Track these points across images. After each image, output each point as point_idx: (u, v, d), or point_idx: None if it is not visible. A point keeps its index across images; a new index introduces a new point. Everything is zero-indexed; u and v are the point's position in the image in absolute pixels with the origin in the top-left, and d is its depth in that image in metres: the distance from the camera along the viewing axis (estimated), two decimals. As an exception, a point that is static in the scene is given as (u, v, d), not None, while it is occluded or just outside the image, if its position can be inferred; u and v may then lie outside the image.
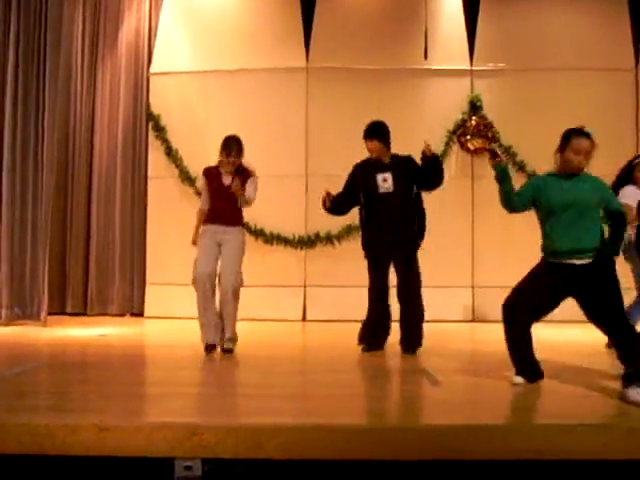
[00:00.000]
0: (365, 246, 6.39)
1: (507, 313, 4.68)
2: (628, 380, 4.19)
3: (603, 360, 5.59)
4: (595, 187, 4.67)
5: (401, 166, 6.32)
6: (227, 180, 6.22)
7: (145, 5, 10.07)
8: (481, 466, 3.43)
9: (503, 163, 4.82)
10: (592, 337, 5.50)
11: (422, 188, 6.38)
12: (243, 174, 6.25)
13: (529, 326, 4.69)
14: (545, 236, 4.70)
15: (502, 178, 4.76)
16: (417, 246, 6.31)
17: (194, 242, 6.34)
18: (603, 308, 4.60)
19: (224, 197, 6.20)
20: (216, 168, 6.33)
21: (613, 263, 4.64)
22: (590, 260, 4.58)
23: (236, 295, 6.19)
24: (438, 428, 3.56)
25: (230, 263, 6.15)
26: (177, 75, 9.86)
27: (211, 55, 9.83)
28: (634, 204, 5.53)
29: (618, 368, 4.59)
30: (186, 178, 9.61)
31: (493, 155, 4.88)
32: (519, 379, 4.67)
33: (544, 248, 4.72)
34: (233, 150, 6.17)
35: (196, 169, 9.45)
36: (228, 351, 6.20)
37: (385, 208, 6.23)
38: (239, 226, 6.32)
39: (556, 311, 4.75)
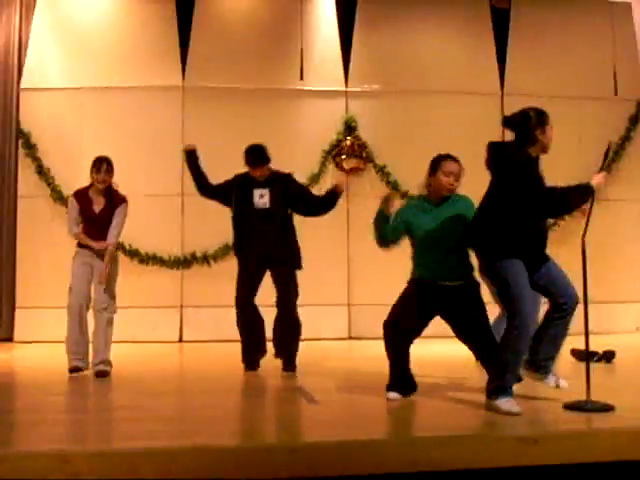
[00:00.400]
0: (240, 258, 6.42)
1: (387, 331, 4.80)
2: (495, 393, 4.37)
3: (473, 373, 5.77)
4: (464, 208, 4.86)
5: (280, 183, 6.37)
6: (97, 206, 6.29)
7: (15, 18, 9.75)
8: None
9: (388, 210, 4.87)
10: (462, 351, 5.67)
11: (301, 211, 6.47)
12: (113, 199, 6.33)
13: (408, 343, 4.83)
14: (417, 263, 4.86)
15: (379, 219, 4.89)
16: (296, 265, 6.38)
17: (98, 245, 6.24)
18: (471, 326, 4.79)
19: (95, 223, 6.27)
20: (86, 191, 6.35)
21: (479, 284, 4.85)
22: (460, 282, 4.78)
23: (110, 320, 6.25)
24: (315, 445, 3.60)
25: (103, 288, 6.20)
26: (49, 91, 9.58)
27: (85, 72, 9.60)
28: None
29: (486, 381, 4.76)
30: (58, 197, 9.33)
31: (386, 199, 4.89)
32: (394, 394, 4.79)
33: (416, 272, 4.87)
34: (104, 168, 6.24)
35: (69, 188, 9.21)
36: (103, 374, 6.11)
37: (261, 224, 6.26)
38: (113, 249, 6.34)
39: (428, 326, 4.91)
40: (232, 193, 6.40)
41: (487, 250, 4.49)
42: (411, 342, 4.85)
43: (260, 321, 6.42)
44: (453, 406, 4.70)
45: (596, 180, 4.33)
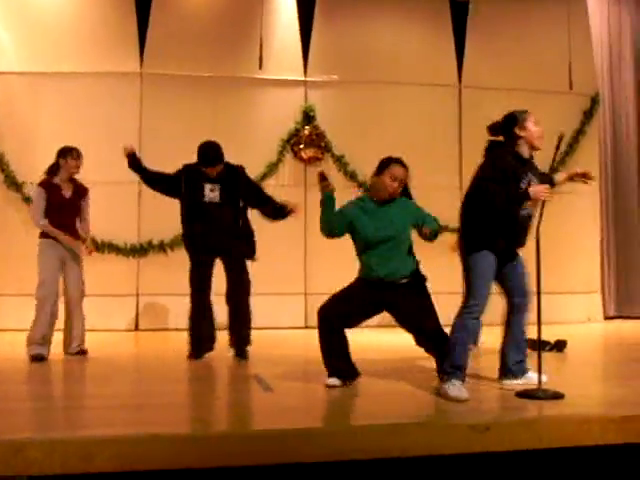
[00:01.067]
0: (190, 251, 6.43)
1: (321, 318, 4.86)
2: (446, 373, 4.50)
3: (424, 361, 5.82)
4: (407, 211, 4.91)
5: (230, 177, 6.37)
6: (67, 192, 6.45)
7: (-33, 1, 9.58)
8: (313, 468, 3.52)
9: (330, 189, 4.91)
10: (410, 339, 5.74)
11: (251, 205, 6.49)
12: (79, 187, 6.55)
13: (342, 330, 4.88)
14: (363, 263, 4.90)
15: (326, 204, 4.91)
16: (248, 255, 6.40)
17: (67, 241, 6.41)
18: (419, 319, 4.83)
19: (65, 211, 6.42)
20: (51, 180, 6.45)
21: (425, 278, 4.93)
22: (406, 280, 4.85)
23: (82, 306, 6.51)
24: (269, 433, 3.62)
25: (76, 276, 6.46)
26: (3, 75, 9.42)
27: (41, 56, 9.46)
28: None
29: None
30: (12, 183, 9.20)
31: (322, 178, 4.93)
32: (334, 380, 4.84)
33: (362, 271, 4.92)
34: (75, 155, 6.45)
35: (23, 174, 9.13)
36: (85, 352, 6.49)
37: (211, 217, 6.27)
38: (79, 239, 6.52)
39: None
40: (180, 186, 6.37)
41: (467, 239, 4.68)
42: (344, 330, 4.89)
43: (212, 312, 6.46)
44: (405, 393, 4.76)
45: (534, 189, 4.48)
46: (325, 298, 4.98)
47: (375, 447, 3.55)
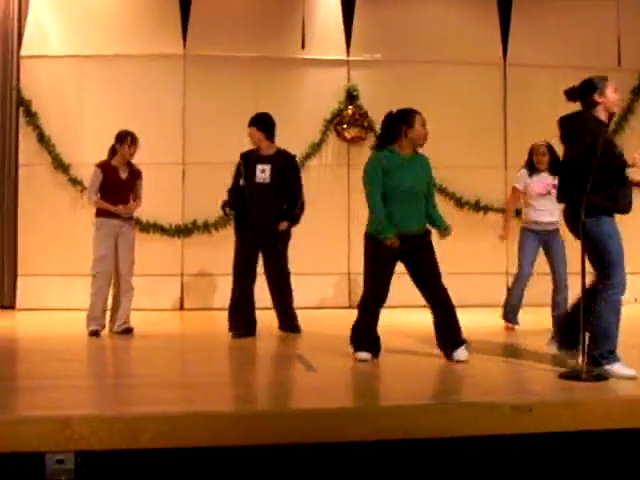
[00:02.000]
0: (239, 230, 6.58)
1: (371, 302, 5.07)
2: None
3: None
4: (427, 169, 5.16)
5: (283, 161, 6.55)
6: (123, 174, 6.74)
7: (14, -16, 9.67)
8: (353, 447, 3.53)
9: None
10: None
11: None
12: (133, 170, 6.81)
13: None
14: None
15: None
16: (289, 236, 6.57)
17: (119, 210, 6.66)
18: (423, 274, 5.02)
19: (121, 192, 6.70)
20: (109, 162, 6.74)
21: (430, 232, 5.14)
22: (418, 233, 5.03)
23: (132, 284, 6.74)
24: (312, 412, 3.65)
25: (129, 255, 6.71)
26: (50, 59, 9.52)
27: (86, 39, 9.53)
28: (519, 186, 6.81)
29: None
30: (59, 165, 9.32)
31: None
32: (365, 355, 4.96)
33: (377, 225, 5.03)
34: (130, 141, 6.69)
35: (69, 156, 9.26)
36: (131, 330, 6.64)
37: (259, 197, 6.43)
38: (133, 219, 6.89)
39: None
40: (241, 172, 6.59)
41: (589, 212, 4.51)
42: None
43: (253, 301, 6.58)
44: (448, 374, 4.76)
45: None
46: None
47: (417, 427, 3.55)
